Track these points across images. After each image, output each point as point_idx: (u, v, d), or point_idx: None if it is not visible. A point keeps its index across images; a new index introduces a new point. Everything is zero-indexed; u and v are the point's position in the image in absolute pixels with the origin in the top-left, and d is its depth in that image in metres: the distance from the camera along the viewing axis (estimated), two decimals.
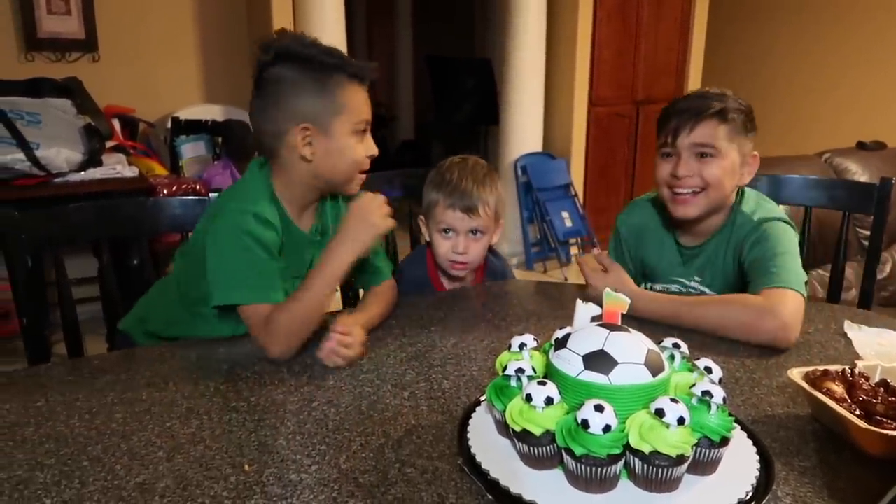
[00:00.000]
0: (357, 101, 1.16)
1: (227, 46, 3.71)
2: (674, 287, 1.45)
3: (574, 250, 4.32)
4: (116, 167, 2.64)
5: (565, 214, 4.21)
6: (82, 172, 2.56)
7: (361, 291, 1.37)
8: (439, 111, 5.37)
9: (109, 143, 2.84)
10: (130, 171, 2.64)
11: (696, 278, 1.42)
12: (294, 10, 3.38)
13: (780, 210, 1.37)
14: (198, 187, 3.08)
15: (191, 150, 3.25)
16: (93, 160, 2.61)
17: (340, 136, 1.15)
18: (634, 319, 1.22)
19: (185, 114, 3.37)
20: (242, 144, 3.29)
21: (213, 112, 3.44)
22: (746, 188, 1.39)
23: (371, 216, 1.16)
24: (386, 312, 1.25)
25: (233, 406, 0.91)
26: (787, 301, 1.14)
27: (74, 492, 0.73)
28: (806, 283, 1.21)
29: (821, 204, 1.72)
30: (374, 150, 1.21)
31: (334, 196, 1.28)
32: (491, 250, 1.53)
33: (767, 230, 1.29)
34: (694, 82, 4.61)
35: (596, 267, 1.34)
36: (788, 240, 1.27)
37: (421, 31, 6.76)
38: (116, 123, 3.14)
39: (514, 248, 4.31)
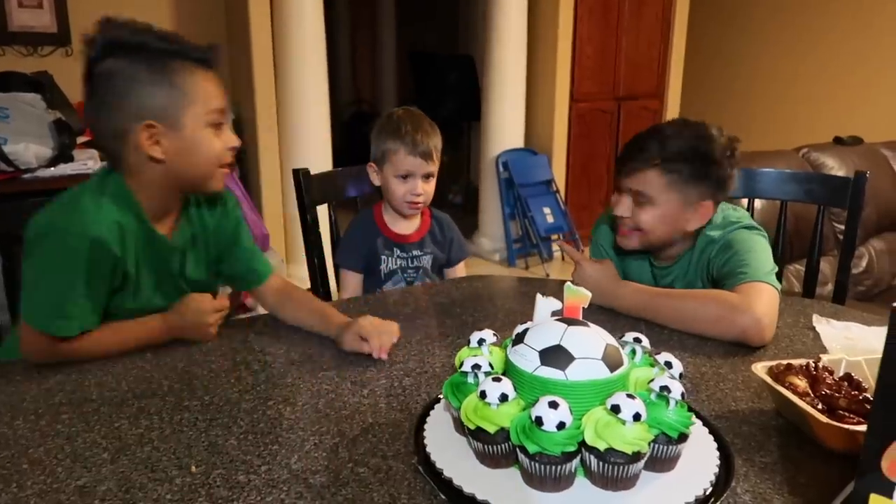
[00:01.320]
0: (207, 90, 1.05)
1: (204, 36, 3.64)
2: None
3: (556, 246, 4.31)
4: (88, 163, 2.59)
5: (547, 210, 4.20)
6: (52, 168, 2.51)
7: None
8: (422, 107, 5.33)
9: (81, 139, 2.79)
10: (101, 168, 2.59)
11: None
12: (272, 5, 3.34)
13: (747, 217, 1.35)
14: None
15: None
16: (63, 156, 2.55)
17: (193, 129, 1.04)
18: (601, 313, 1.21)
19: None
20: None
21: None
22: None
23: (205, 318, 1.10)
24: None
25: (185, 405, 0.89)
26: (762, 295, 1.12)
27: (11, 496, 0.70)
28: (779, 278, 1.20)
29: (796, 198, 1.71)
30: (235, 142, 1.11)
31: (199, 202, 1.18)
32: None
33: (731, 239, 1.27)
34: (675, 78, 4.61)
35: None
36: (754, 241, 1.25)
37: (404, 28, 6.72)
38: None
39: (496, 245, 4.29)
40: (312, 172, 1.62)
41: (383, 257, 1.57)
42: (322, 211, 1.66)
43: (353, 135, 6.12)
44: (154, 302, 1.12)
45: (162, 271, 1.12)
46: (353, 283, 1.58)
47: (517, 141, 4.22)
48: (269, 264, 1.27)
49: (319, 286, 1.64)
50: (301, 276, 3.52)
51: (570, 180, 4.46)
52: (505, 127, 4.19)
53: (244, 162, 3.66)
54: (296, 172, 1.60)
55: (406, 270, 1.60)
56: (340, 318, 1.11)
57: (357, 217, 1.62)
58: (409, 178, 1.52)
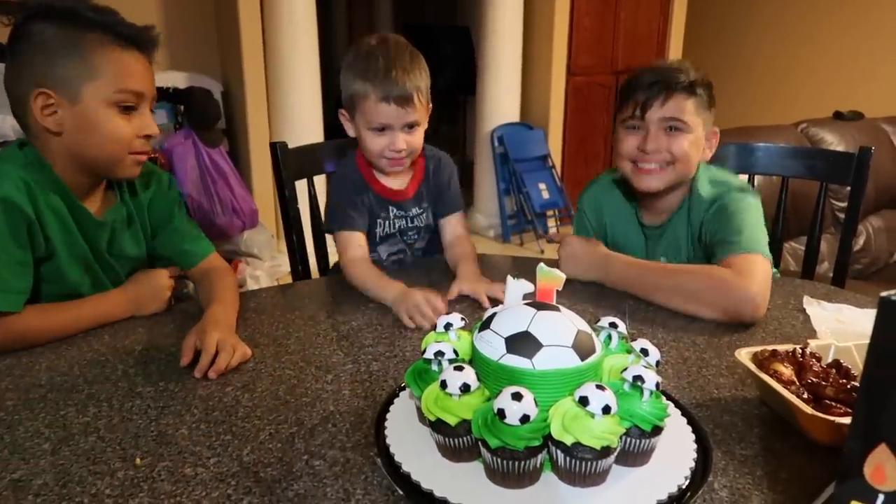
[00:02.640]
0: (120, 69, 0.99)
1: (191, 9, 3.57)
2: None
3: (551, 222, 4.26)
4: None
5: (542, 186, 4.14)
6: None
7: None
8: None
9: None
10: None
11: (662, 258, 1.36)
12: None
13: (737, 179, 1.31)
14: (158, 157, 2.98)
15: None
16: None
17: (92, 106, 0.98)
18: (582, 295, 1.16)
19: None
20: (205, 113, 3.17)
21: (175, 79, 3.31)
22: (700, 165, 1.32)
23: (161, 291, 1.10)
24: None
25: (138, 392, 0.84)
26: (756, 270, 1.08)
27: None
28: (777, 256, 1.15)
29: (798, 174, 1.65)
30: (151, 130, 1.04)
31: (132, 185, 1.14)
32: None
33: (724, 203, 1.23)
34: (675, 52, 4.52)
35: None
36: (747, 204, 1.22)
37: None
38: None
39: (491, 221, 4.24)
40: (297, 146, 1.56)
41: (378, 220, 1.35)
42: (301, 186, 1.61)
43: None
44: (80, 285, 1.07)
45: (88, 248, 1.07)
46: (356, 244, 1.28)
47: (513, 115, 4.14)
48: (205, 247, 1.21)
49: (298, 263, 1.59)
50: None
51: (567, 155, 4.40)
52: (500, 101, 4.11)
53: (234, 137, 3.59)
54: (273, 146, 1.54)
55: (406, 233, 1.39)
56: (209, 316, 1.01)
57: (338, 171, 1.37)
58: (387, 131, 1.24)
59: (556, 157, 4.27)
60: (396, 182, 1.36)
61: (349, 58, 1.25)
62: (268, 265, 3.35)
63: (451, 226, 1.40)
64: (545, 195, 4.12)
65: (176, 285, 1.13)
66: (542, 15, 4.09)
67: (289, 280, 1.63)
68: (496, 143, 4.09)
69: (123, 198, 1.13)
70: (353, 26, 6.85)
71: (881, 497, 0.44)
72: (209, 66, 3.60)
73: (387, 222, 1.36)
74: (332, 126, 3.63)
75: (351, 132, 1.31)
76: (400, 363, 0.93)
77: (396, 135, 1.24)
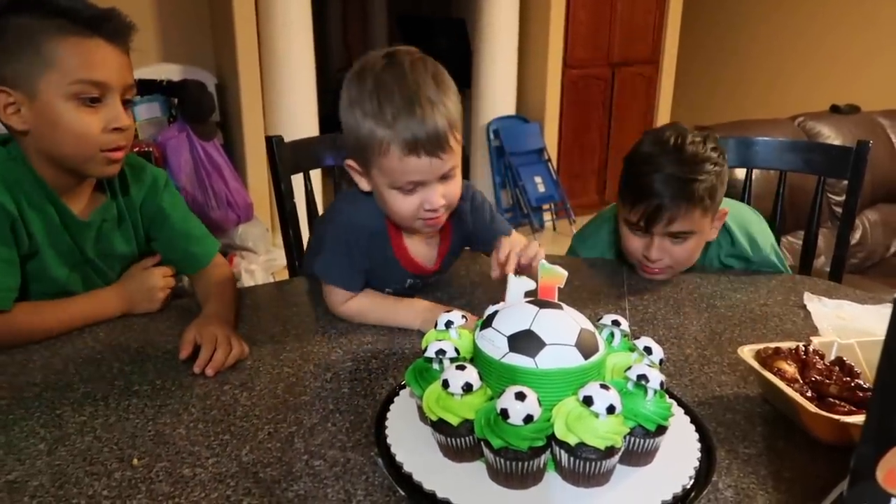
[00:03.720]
0: (78, 58, 0.92)
1: (185, 2, 3.54)
2: None
3: (547, 216, 4.25)
4: None
5: (538, 180, 4.13)
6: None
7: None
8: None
9: None
10: None
11: None
12: None
13: (744, 209, 1.36)
14: (153, 151, 2.95)
15: (145, 111, 3.10)
16: None
17: (50, 100, 0.93)
18: (582, 292, 1.15)
19: (140, 73, 3.20)
20: (200, 107, 3.14)
21: (168, 71, 3.28)
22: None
23: (154, 281, 1.07)
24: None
25: (134, 390, 0.83)
26: None
27: None
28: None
29: (795, 168, 1.64)
30: (119, 122, 0.96)
31: (123, 176, 1.09)
32: None
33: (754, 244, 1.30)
34: (671, 44, 4.50)
35: None
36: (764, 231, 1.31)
37: None
38: None
39: None
40: (294, 141, 1.54)
41: (387, 290, 1.10)
42: (297, 180, 1.59)
43: None
44: (68, 283, 1.05)
45: (72, 249, 1.04)
46: (344, 300, 1.04)
47: (508, 108, 4.13)
48: (211, 248, 1.18)
49: (295, 258, 1.58)
50: None
51: (562, 149, 4.38)
52: (496, 94, 4.09)
53: (228, 130, 3.57)
54: (269, 140, 1.52)
55: (411, 292, 1.13)
56: (208, 312, 1.00)
57: (350, 218, 1.04)
58: (419, 188, 0.95)
59: (552, 151, 4.26)
60: (424, 251, 1.10)
61: (351, 90, 0.95)
62: (263, 259, 3.33)
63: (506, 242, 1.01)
64: (541, 189, 4.11)
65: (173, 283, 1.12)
66: (538, 7, 4.07)
67: (284, 274, 1.62)
68: (492, 137, 4.08)
69: (115, 196, 1.10)
70: (346, 18, 6.80)
71: (894, 501, 0.43)
72: (203, 58, 3.57)
73: (398, 287, 1.11)
74: (326, 119, 3.61)
75: (365, 186, 1.01)
76: (399, 360, 0.92)
77: (433, 191, 0.95)
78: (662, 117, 4.64)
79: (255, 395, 0.83)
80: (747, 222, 1.33)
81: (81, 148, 0.96)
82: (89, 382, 0.85)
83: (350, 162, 1.00)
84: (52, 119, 0.94)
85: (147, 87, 3.13)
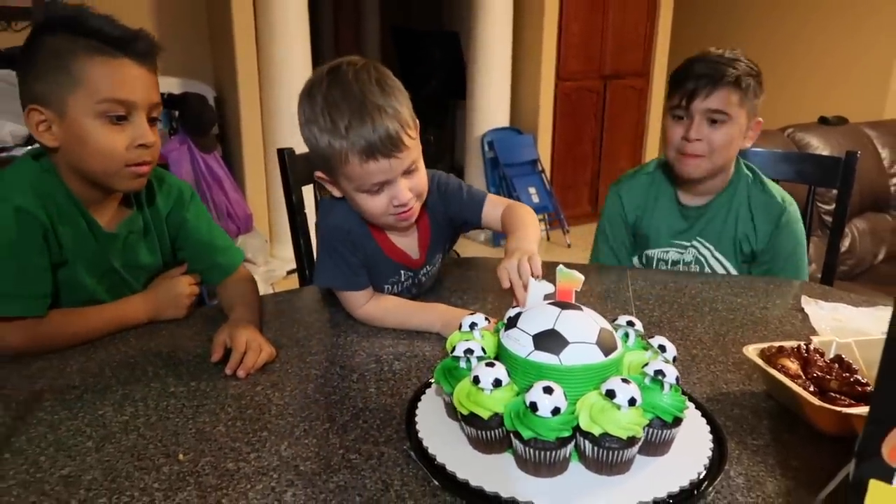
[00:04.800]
0: (104, 77, 0.96)
1: (185, 15, 3.59)
2: (671, 252, 1.48)
3: (541, 226, 4.31)
4: None
5: (532, 190, 4.19)
6: (29, 146, 2.46)
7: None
8: (406, 85, 5.32)
9: None
10: None
11: (699, 238, 1.45)
12: None
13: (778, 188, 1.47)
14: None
15: None
16: None
17: (77, 118, 0.97)
18: (592, 296, 1.20)
19: None
20: (200, 119, 3.19)
21: (169, 85, 3.32)
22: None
23: (181, 289, 1.11)
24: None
25: (171, 392, 0.87)
26: None
27: None
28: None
29: (788, 178, 1.71)
30: (145, 139, 0.99)
31: (150, 187, 1.13)
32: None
33: (789, 219, 1.40)
34: (661, 56, 4.59)
35: None
36: (802, 232, 1.42)
37: (388, 3, 6.62)
38: None
39: None
40: (296, 152, 1.59)
41: (387, 287, 1.15)
42: (308, 191, 1.64)
43: None
44: (96, 293, 1.08)
45: (99, 259, 1.08)
46: (367, 297, 1.10)
47: (502, 120, 4.19)
48: (237, 257, 1.21)
49: (306, 267, 1.62)
50: (285, 255, 3.49)
51: (556, 160, 4.45)
52: (490, 106, 4.16)
53: (227, 142, 3.61)
54: (280, 152, 1.57)
55: (412, 288, 1.20)
56: (237, 317, 1.04)
57: (333, 225, 1.09)
58: (385, 187, 1.01)
59: (546, 162, 4.32)
60: (406, 242, 1.15)
61: (305, 110, 1.00)
62: (262, 270, 3.36)
63: (490, 213, 1.16)
64: (535, 199, 4.17)
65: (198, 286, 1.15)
66: (531, 20, 4.15)
67: (284, 285, 1.66)
68: (486, 148, 4.14)
69: (140, 209, 1.13)
70: (338, 31, 6.87)
71: None
72: (202, 71, 3.62)
73: (396, 286, 1.16)
74: None
75: (337, 193, 1.08)
76: (421, 362, 0.96)
77: (397, 186, 1.01)
78: (654, 129, 4.72)
79: (286, 396, 0.87)
80: (788, 198, 1.45)
81: (107, 164, 1.00)
82: (126, 385, 0.89)
83: (319, 173, 1.06)
84: (80, 136, 0.98)
85: None
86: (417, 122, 1.03)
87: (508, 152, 4.14)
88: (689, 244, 1.47)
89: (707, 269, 1.45)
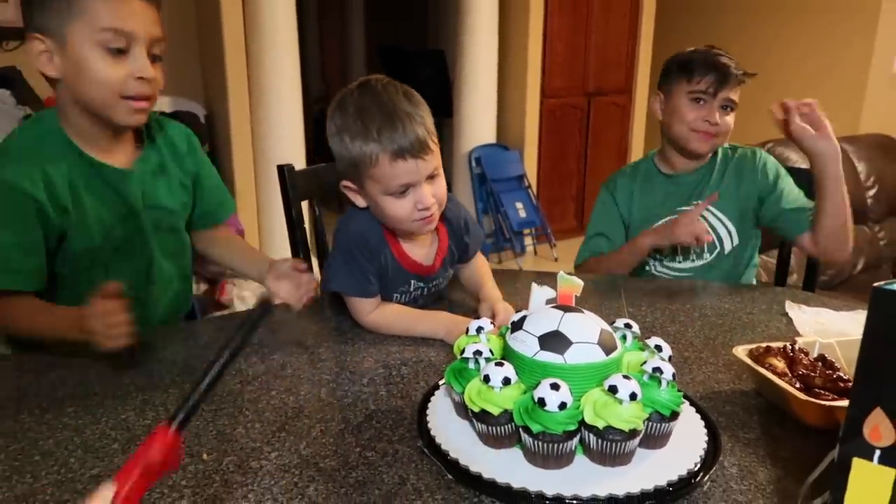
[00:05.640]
0: (106, 5, 0.96)
1: (175, 34, 3.63)
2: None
3: (528, 241, 4.37)
4: None
5: (519, 205, 4.26)
6: None
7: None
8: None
9: None
10: None
11: (696, 203, 1.56)
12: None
13: None
14: None
15: None
16: None
17: (77, 47, 0.96)
18: (588, 302, 1.25)
19: None
20: None
21: (159, 104, 3.34)
22: None
23: (101, 327, 0.89)
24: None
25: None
26: None
27: (27, 486, 0.71)
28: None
29: None
30: (144, 72, 1.00)
31: (161, 126, 1.16)
32: None
33: (763, 153, 1.60)
34: (643, 73, 4.70)
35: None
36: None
37: (373, 21, 6.71)
38: None
39: None
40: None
41: (396, 296, 1.19)
42: (305, 207, 1.68)
43: (322, 131, 6.10)
44: (111, 235, 1.09)
45: (116, 203, 1.08)
46: (374, 304, 1.14)
47: (489, 136, 4.27)
48: (231, 202, 1.31)
49: None
50: None
51: (542, 175, 4.53)
52: (477, 123, 4.23)
53: (217, 159, 3.64)
54: (280, 168, 1.61)
55: (419, 299, 1.24)
56: (261, 263, 1.16)
57: (351, 231, 1.14)
58: (409, 190, 1.06)
59: (532, 177, 4.40)
60: (422, 253, 1.19)
61: (336, 120, 1.07)
62: (254, 285, 3.38)
63: (474, 261, 1.30)
64: (522, 214, 4.24)
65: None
66: (516, 39, 4.24)
67: None
68: (474, 164, 4.20)
69: (156, 146, 1.14)
70: (324, 50, 6.95)
71: (878, 452, 0.53)
72: (192, 90, 3.66)
73: (405, 295, 1.20)
74: (312, 150, 3.70)
75: (361, 203, 1.13)
76: (427, 367, 1.00)
77: (421, 190, 1.06)
78: (637, 144, 4.82)
79: (301, 399, 0.90)
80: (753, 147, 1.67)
81: (105, 95, 1.00)
82: (145, 391, 0.92)
83: (345, 183, 1.12)
84: (80, 65, 0.98)
85: None
86: (437, 138, 1.11)
87: (495, 168, 4.21)
88: (688, 209, 1.56)
89: (709, 230, 1.53)
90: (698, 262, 1.59)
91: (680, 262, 1.60)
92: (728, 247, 1.57)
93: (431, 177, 1.08)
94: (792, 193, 1.53)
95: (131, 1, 0.99)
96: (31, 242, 1.01)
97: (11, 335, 1.01)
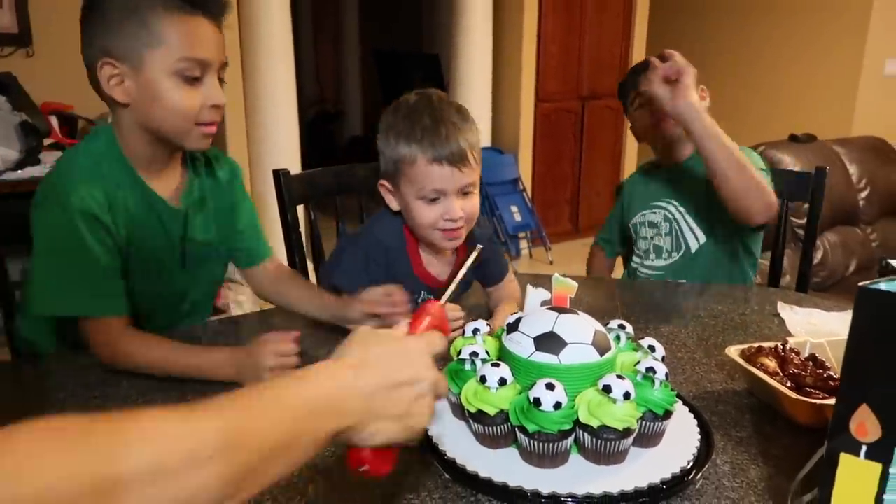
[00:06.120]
0: (184, 36, 0.96)
1: None
2: (647, 215, 1.64)
3: (524, 244, 4.39)
4: None
5: (514, 209, 4.27)
6: (19, 171, 2.49)
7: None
8: (388, 107, 5.39)
9: (47, 141, 2.76)
10: None
11: (673, 201, 1.60)
12: (238, 3, 3.34)
13: None
14: None
15: None
16: (30, 158, 2.53)
17: (155, 76, 0.96)
18: (584, 304, 1.27)
19: None
20: None
21: None
22: None
23: (263, 370, 0.93)
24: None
25: (189, 399, 0.90)
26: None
27: None
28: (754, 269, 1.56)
29: None
30: (218, 99, 1.01)
31: (206, 157, 1.15)
32: None
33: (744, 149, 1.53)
34: None
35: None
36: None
37: (367, 25, 6.74)
38: (54, 120, 3.04)
39: None
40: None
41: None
42: (300, 211, 1.69)
43: (317, 135, 6.12)
44: (149, 262, 1.08)
45: (160, 234, 1.08)
46: None
47: (484, 140, 4.28)
48: (268, 246, 1.27)
49: None
50: None
51: (536, 179, 4.55)
52: None
53: None
54: (275, 173, 1.62)
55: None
56: (340, 299, 1.11)
57: (381, 245, 1.16)
58: (440, 199, 1.08)
59: (527, 181, 4.42)
60: (439, 267, 1.19)
61: (388, 119, 1.11)
62: (250, 290, 3.39)
63: (502, 289, 1.26)
64: (517, 217, 4.26)
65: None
66: (510, 43, 4.26)
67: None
68: None
69: (199, 177, 1.15)
70: (319, 54, 6.97)
71: (864, 447, 0.54)
72: None
73: (411, 304, 1.13)
74: (307, 154, 3.71)
75: (394, 205, 1.15)
76: None
77: (451, 201, 1.08)
78: (630, 148, 4.85)
79: None
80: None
81: (180, 123, 1.01)
82: (146, 394, 0.93)
83: (383, 181, 1.15)
84: (155, 94, 0.98)
85: None
86: (481, 159, 1.12)
87: (490, 172, 4.23)
88: (664, 205, 1.60)
89: (677, 231, 1.57)
90: (669, 261, 1.60)
91: (653, 259, 1.62)
92: (694, 245, 1.57)
93: (466, 193, 1.10)
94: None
95: (206, 27, 0.99)
96: (111, 264, 1.00)
97: (137, 370, 0.98)
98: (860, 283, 0.52)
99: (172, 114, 0.99)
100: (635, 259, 1.67)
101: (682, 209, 1.58)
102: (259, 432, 0.48)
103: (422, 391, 0.60)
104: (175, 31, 0.96)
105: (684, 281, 1.57)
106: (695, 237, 1.58)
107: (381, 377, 0.57)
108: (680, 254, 1.58)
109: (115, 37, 0.96)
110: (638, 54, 4.70)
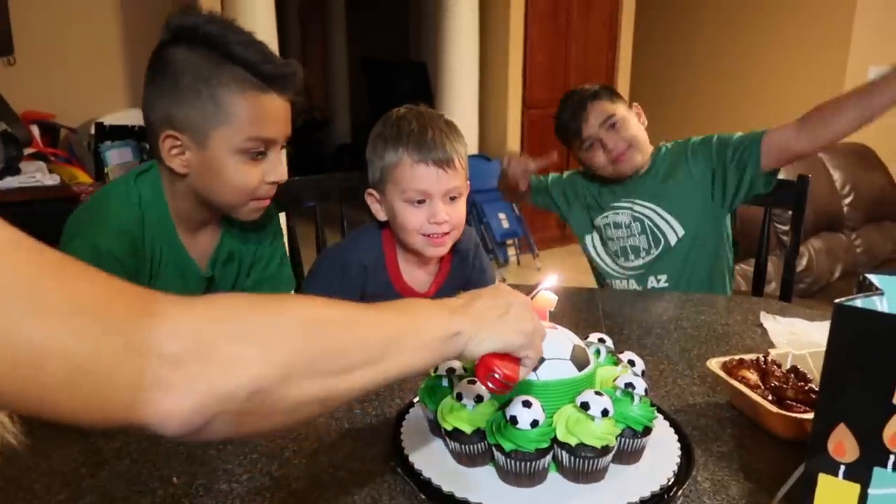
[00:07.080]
0: (254, 115, 0.94)
1: (154, 46, 3.61)
2: (609, 215, 1.62)
3: (511, 251, 4.38)
4: (36, 175, 2.54)
5: (502, 216, 4.26)
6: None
7: None
8: (376, 115, 5.38)
9: (28, 151, 2.73)
10: (51, 180, 2.55)
11: (637, 201, 1.59)
12: (222, 8, 3.32)
13: None
14: None
15: (117, 156, 3.14)
16: (10, 168, 2.50)
17: (219, 153, 0.95)
18: (564, 317, 1.25)
19: (110, 119, 3.25)
20: None
21: (139, 117, 3.32)
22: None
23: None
24: None
25: None
26: None
27: None
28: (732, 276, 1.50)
29: (744, 200, 1.79)
30: (278, 176, 1.00)
31: (243, 223, 1.10)
32: None
33: (693, 141, 1.62)
34: (623, 84, 4.74)
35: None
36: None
37: (355, 33, 6.73)
38: (35, 130, 3.01)
39: None
40: None
41: None
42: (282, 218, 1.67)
43: (304, 143, 6.10)
44: None
45: (178, 284, 1.05)
46: None
47: (471, 147, 4.27)
48: (291, 279, 1.23)
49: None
50: None
51: None
52: None
53: None
54: None
55: None
56: None
57: (359, 265, 1.16)
58: (426, 202, 1.09)
59: None
60: (419, 278, 1.20)
61: (376, 129, 1.13)
62: None
63: None
64: (505, 225, 4.25)
65: None
66: (496, 50, 4.27)
67: None
68: None
69: (232, 236, 1.12)
70: (306, 62, 6.95)
71: (842, 468, 0.53)
72: None
73: None
74: (295, 162, 3.68)
75: (381, 215, 1.15)
76: (404, 383, 0.99)
77: (437, 204, 1.09)
78: None
79: None
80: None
81: (237, 197, 0.99)
82: None
83: (370, 190, 1.15)
84: (217, 169, 0.96)
85: (118, 133, 3.18)
86: (468, 173, 1.14)
87: (477, 179, 4.18)
88: (627, 204, 1.59)
89: (651, 228, 1.57)
90: (648, 258, 1.59)
91: (632, 260, 1.61)
92: (673, 238, 1.56)
93: (452, 198, 1.11)
94: (733, 134, 1.56)
95: (276, 104, 0.96)
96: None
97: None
98: (836, 301, 0.51)
99: (231, 190, 0.98)
100: (608, 262, 1.67)
101: (650, 205, 1.57)
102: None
103: (520, 308, 0.67)
104: (246, 108, 0.93)
105: (666, 281, 1.56)
106: (673, 230, 1.57)
107: (482, 303, 0.65)
108: (659, 249, 1.58)
109: (182, 108, 0.93)
110: (624, 60, 4.72)
